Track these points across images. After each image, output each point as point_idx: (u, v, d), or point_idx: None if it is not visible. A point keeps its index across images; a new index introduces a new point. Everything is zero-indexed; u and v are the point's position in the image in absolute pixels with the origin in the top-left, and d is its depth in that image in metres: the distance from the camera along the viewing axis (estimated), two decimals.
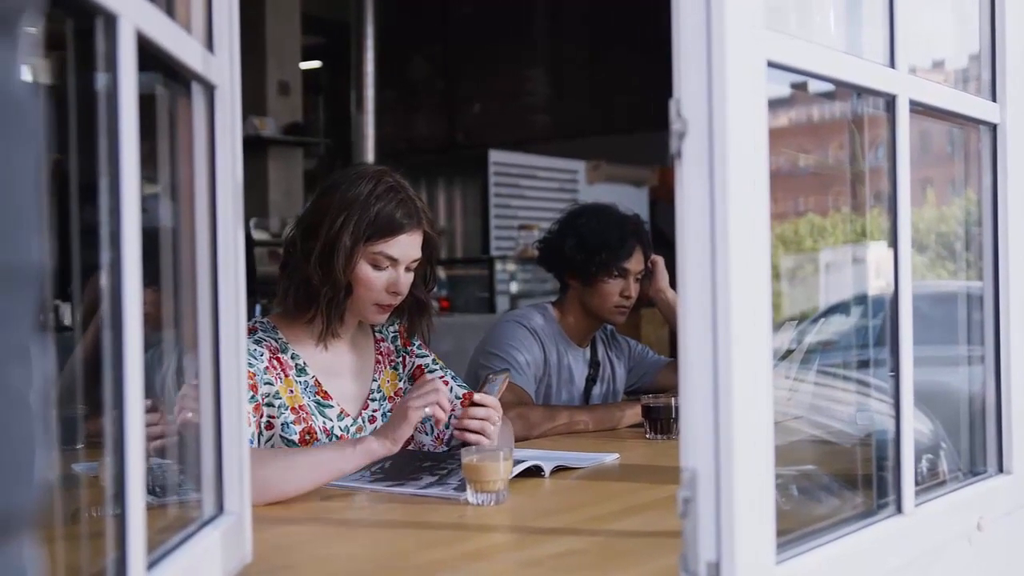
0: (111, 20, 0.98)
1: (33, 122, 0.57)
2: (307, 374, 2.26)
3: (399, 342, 2.47)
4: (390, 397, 2.40)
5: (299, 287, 2.24)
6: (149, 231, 1.07)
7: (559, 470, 2.22)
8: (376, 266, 2.23)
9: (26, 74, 0.59)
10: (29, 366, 0.58)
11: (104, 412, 1.03)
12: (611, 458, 2.39)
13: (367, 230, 2.20)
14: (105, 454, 1.03)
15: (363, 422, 2.32)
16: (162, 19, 1.12)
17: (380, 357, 2.42)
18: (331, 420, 2.26)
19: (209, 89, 1.33)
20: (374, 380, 2.39)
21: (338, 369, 2.33)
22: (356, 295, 2.25)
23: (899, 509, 1.55)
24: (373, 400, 2.37)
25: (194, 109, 1.33)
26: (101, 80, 1.00)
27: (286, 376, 2.22)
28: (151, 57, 1.10)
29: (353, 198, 2.20)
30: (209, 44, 1.34)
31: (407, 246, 2.25)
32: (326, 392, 2.28)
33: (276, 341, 2.26)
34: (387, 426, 2.06)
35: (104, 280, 1.00)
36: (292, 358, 2.26)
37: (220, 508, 1.37)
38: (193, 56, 1.26)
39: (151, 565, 1.08)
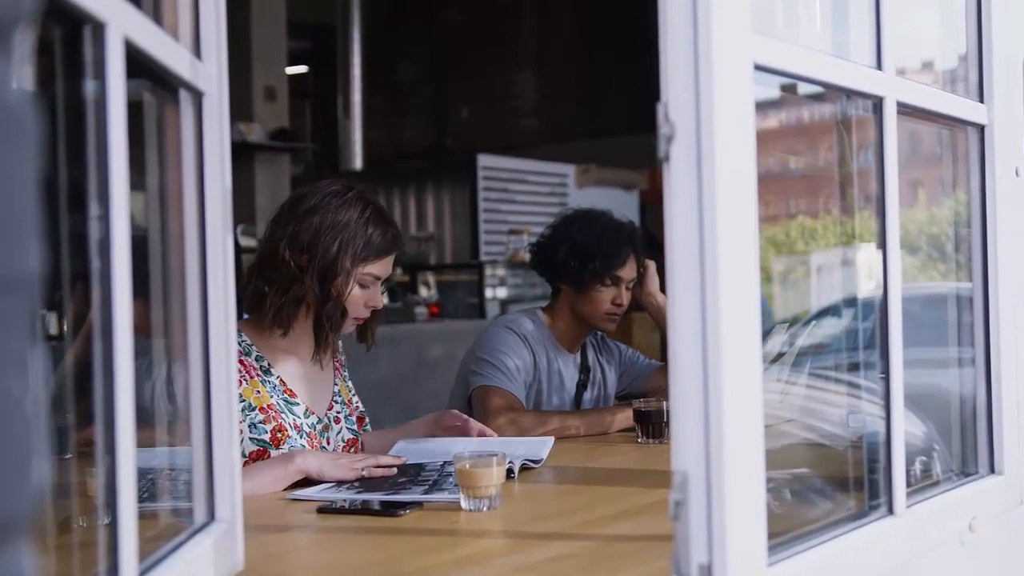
0: (99, 28, 0.98)
1: (30, 130, 0.58)
2: (273, 375, 2.33)
3: (344, 358, 2.58)
4: (347, 402, 2.51)
5: (292, 304, 2.29)
6: (136, 239, 1.06)
7: (525, 469, 2.26)
8: (362, 285, 2.33)
9: (22, 83, 0.60)
10: (26, 373, 0.58)
11: (92, 421, 1.02)
12: (547, 443, 2.42)
13: (363, 252, 2.30)
14: (93, 464, 1.03)
15: (329, 421, 2.43)
16: (150, 26, 1.12)
17: (338, 366, 2.53)
18: (299, 417, 2.33)
19: (197, 96, 1.33)
20: (335, 385, 2.49)
21: (302, 373, 2.40)
22: None
23: (891, 510, 1.55)
24: (336, 403, 2.47)
25: (182, 116, 1.32)
26: (89, 87, 1.00)
27: (251, 378, 2.29)
28: (137, 64, 1.10)
29: (345, 221, 2.29)
30: (197, 51, 1.34)
31: (390, 265, 2.39)
32: (291, 391, 2.35)
33: (240, 344, 2.29)
34: (323, 456, 2.18)
35: (94, 288, 0.99)
36: (256, 360, 2.32)
37: (211, 516, 1.36)
38: (181, 63, 1.25)
39: (142, 573, 1.08)
